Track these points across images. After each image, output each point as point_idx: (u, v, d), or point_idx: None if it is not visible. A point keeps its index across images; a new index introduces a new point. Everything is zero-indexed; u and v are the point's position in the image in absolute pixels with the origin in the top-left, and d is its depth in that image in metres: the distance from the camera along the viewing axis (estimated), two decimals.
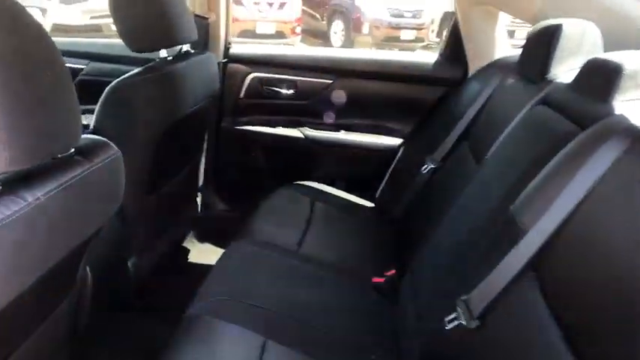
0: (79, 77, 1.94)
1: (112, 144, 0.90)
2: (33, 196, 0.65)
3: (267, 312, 1.15)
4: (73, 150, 0.79)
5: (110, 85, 1.27)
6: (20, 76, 0.62)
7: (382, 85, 1.87)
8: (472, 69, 1.77)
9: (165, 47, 1.38)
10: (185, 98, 1.41)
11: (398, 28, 7.52)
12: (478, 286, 0.84)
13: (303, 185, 1.86)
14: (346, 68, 1.86)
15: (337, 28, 7.75)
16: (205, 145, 1.88)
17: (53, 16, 2.32)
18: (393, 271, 1.43)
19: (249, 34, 6.77)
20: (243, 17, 6.79)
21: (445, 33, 1.86)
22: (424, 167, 1.60)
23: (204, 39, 1.80)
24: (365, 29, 7.51)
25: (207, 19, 1.75)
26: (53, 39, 0.69)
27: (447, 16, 6.96)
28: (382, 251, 1.61)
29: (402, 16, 7.51)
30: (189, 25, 1.42)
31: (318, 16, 8.07)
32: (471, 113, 1.53)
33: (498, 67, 1.60)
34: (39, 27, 0.67)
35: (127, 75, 1.28)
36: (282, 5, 7.19)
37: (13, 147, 0.61)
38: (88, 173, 0.78)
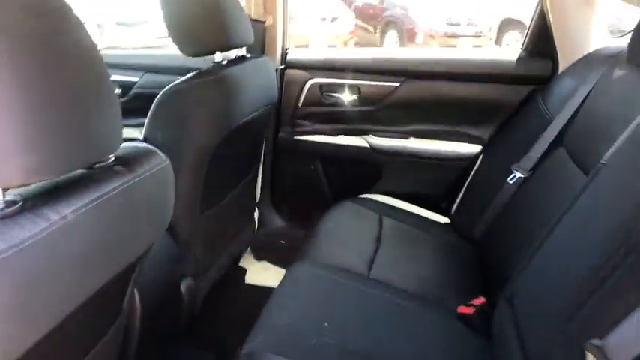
0: (133, 90, 1.87)
1: (159, 152, 0.77)
2: (58, 214, 0.51)
3: (340, 349, 0.98)
4: (112, 159, 0.66)
5: (161, 93, 1.16)
6: (43, 67, 0.49)
7: (457, 87, 1.67)
8: (563, 64, 1.53)
9: (220, 50, 1.26)
10: (242, 105, 1.28)
11: (454, 36, 7.25)
12: (616, 329, 0.65)
13: (368, 199, 1.68)
14: (415, 69, 1.68)
15: (391, 40, 7.59)
16: (262, 158, 1.75)
17: (111, 35, 2.34)
18: (482, 299, 1.22)
19: None
20: (295, 32, 6.75)
21: (528, 29, 1.64)
22: (511, 177, 1.38)
23: (261, 44, 1.68)
24: (419, 39, 7.29)
25: (263, 22, 1.63)
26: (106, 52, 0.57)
27: (505, 23, 6.64)
28: (464, 275, 1.40)
29: (457, 25, 7.24)
30: (246, 28, 1.30)
31: (371, 28, 7.93)
32: (566, 114, 1.30)
33: (597, 59, 1.36)
34: (73, 17, 0.55)
35: (178, 81, 1.17)
36: (334, 19, 7.12)
37: (34, 152, 0.48)
38: (129, 186, 0.65)
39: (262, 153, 1.74)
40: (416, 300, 1.20)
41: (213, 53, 1.26)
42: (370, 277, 1.27)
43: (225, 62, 1.30)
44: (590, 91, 1.26)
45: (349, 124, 1.78)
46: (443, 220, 1.69)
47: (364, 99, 1.73)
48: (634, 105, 1.00)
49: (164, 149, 0.77)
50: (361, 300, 1.15)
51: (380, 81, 1.70)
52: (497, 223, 1.42)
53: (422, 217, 1.67)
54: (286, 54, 1.75)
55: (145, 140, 1.18)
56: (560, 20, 1.51)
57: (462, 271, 1.42)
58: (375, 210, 1.61)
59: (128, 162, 0.69)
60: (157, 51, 2.01)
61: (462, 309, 1.20)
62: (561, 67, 1.54)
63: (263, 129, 1.57)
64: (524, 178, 1.36)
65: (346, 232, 1.47)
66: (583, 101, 1.27)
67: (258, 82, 1.39)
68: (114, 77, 1.91)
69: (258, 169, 1.71)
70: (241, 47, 1.37)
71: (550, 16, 1.52)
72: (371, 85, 1.71)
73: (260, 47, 1.68)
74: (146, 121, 1.17)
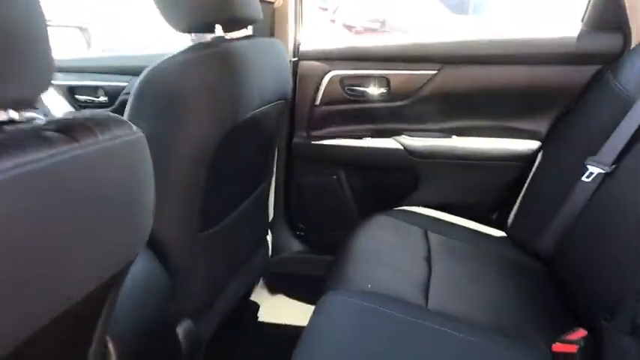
0: (120, 97, 1.60)
1: (128, 122, 0.48)
2: None
3: None
4: (39, 117, 0.38)
5: (145, 71, 0.88)
6: None
7: (506, 72, 1.38)
8: (636, 36, 1.25)
9: (222, 24, 0.99)
10: (251, 91, 1.00)
11: None
12: None
13: (406, 211, 1.38)
14: (454, 53, 1.40)
15: None
16: (275, 166, 1.46)
17: (99, 39, 2.12)
18: (582, 332, 0.90)
19: None
20: None
21: None
22: (587, 174, 1.08)
23: (269, 30, 1.41)
24: None
25: (272, 3, 1.37)
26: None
27: None
28: (544, 302, 1.08)
29: None
30: (253, 1, 1.03)
31: None
32: None
33: None
34: None
35: (167, 56, 0.89)
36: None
37: None
38: (64, 160, 0.36)
39: (275, 161, 1.45)
40: (494, 338, 0.88)
41: (212, 29, 0.99)
42: (428, 308, 0.96)
43: (228, 37, 1.02)
44: None
45: (377, 123, 1.49)
46: (497, 233, 1.38)
47: (394, 92, 1.44)
48: None
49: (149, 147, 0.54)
50: (425, 340, 0.83)
51: (413, 70, 1.42)
52: (574, 232, 1.11)
53: (474, 230, 1.36)
54: (299, 44, 1.48)
55: None
56: None
57: (540, 296, 1.10)
58: (417, 224, 1.30)
59: (70, 128, 0.40)
60: (144, 52, 1.74)
61: (559, 347, 0.89)
62: (635, 40, 1.26)
63: (275, 129, 1.28)
64: (605, 173, 1.06)
65: (387, 252, 1.16)
66: None
67: (269, 67, 1.11)
68: (99, 83, 1.65)
69: (270, 181, 1.41)
70: (247, 25, 1.10)
71: None
72: (402, 75, 1.43)
73: (268, 34, 1.41)
74: (126, 109, 0.89)
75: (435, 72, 1.40)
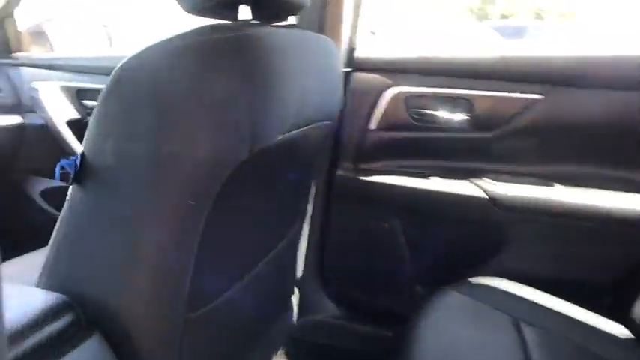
0: None
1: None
2: None
3: None
4: None
5: (119, 65, 0.56)
6: None
7: (632, 102, 0.99)
8: None
9: (251, 4, 0.66)
10: (282, 103, 0.65)
11: None
12: None
13: (485, 287, 1.00)
14: (565, 74, 1.02)
15: None
16: (310, 207, 1.11)
17: (123, 36, 1.90)
18: None
19: None
20: None
21: None
22: None
23: (317, 27, 1.08)
24: None
25: None
26: None
27: None
28: None
29: None
30: None
31: None
32: None
33: None
34: None
35: (157, 41, 0.57)
36: None
37: None
38: None
39: (310, 200, 1.10)
40: None
41: (235, 13, 0.67)
42: None
43: (258, 23, 0.69)
44: None
45: (451, 160, 1.12)
46: (619, 330, 0.97)
47: (479, 120, 1.07)
48: None
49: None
50: None
51: (506, 91, 1.05)
52: None
53: (583, 324, 0.96)
54: (353, 51, 1.14)
55: (82, 159, 0.58)
56: None
57: None
58: (503, 307, 0.92)
59: None
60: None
61: None
62: None
63: (314, 160, 0.93)
64: None
65: (467, 353, 0.78)
66: None
67: (315, 74, 0.77)
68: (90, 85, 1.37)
69: (301, 226, 1.06)
70: (288, 14, 0.77)
71: None
72: (491, 97, 1.06)
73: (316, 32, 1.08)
74: (91, 118, 0.57)
75: (539, 97, 1.02)
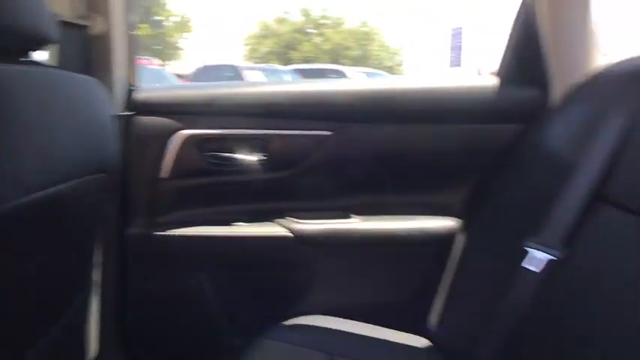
0: None
1: None
2: None
3: None
4: None
5: None
6: None
7: (414, 133, 1.09)
8: (558, 91, 1.06)
9: None
10: (33, 154, 0.51)
11: None
12: None
13: (301, 327, 0.96)
14: (354, 110, 1.07)
15: None
16: (100, 273, 0.94)
17: None
18: None
19: None
20: None
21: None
22: (527, 259, 0.80)
23: (84, 67, 0.94)
24: None
25: (85, 27, 0.90)
26: None
27: None
28: None
29: None
30: (40, 14, 0.58)
31: None
32: (598, 155, 0.78)
33: (615, 78, 0.89)
34: None
35: None
36: None
37: None
38: None
39: (97, 266, 0.93)
40: None
41: None
42: None
43: None
44: (631, 120, 0.77)
45: (254, 202, 1.07)
46: (421, 342, 1.03)
47: (275, 159, 1.05)
48: None
49: None
50: None
51: (300, 129, 1.05)
52: (519, 337, 0.80)
53: (392, 343, 0.99)
54: (132, 91, 1.02)
55: None
56: (554, 39, 1.05)
57: None
58: (319, 346, 0.89)
59: None
60: None
61: None
62: (557, 95, 1.06)
63: (91, 218, 0.79)
64: (554, 260, 0.78)
65: None
66: (626, 134, 0.77)
67: (72, 120, 0.64)
68: None
69: (87, 300, 0.89)
70: (29, 48, 0.63)
71: (542, 34, 1.05)
72: (286, 136, 1.05)
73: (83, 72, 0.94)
74: None
75: (329, 133, 1.05)
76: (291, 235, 1.05)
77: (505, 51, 1.11)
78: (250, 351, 0.86)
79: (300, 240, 1.05)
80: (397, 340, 1.01)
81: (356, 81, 1.15)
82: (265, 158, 1.04)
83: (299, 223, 1.06)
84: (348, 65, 14.09)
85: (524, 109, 1.07)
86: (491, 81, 1.12)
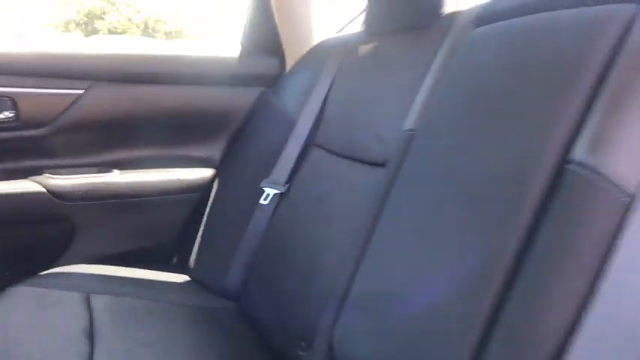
0: None
1: None
2: None
3: None
4: None
5: None
6: None
7: (168, 93, 1.22)
8: (290, 59, 1.31)
9: None
10: None
11: None
12: None
13: (60, 274, 1.04)
14: (107, 69, 1.15)
15: None
16: None
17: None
18: None
19: None
20: None
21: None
22: (264, 197, 1.03)
23: None
24: None
25: None
26: None
27: None
28: (240, 344, 0.94)
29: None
30: None
31: None
32: (312, 111, 1.05)
33: (329, 48, 1.17)
34: None
35: None
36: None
37: None
38: None
39: None
40: None
41: None
42: None
43: None
44: (334, 78, 1.05)
45: (4, 161, 1.09)
46: (181, 278, 1.19)
47: (27, 118, 1.08)
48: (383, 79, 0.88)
49: None
50: None
51: (50, 88, 1.10)
52: (258, 261, 1.02)
53: (150, 280, 1.13)
54: None
55: None
56: (285, 13, 1.29)
57: (233, 339, 0.95)
58: (75, 288, 0.98)
59: None
60: None
61: None
62: (289, 63, 1.31)
63: None
64: (280, 194, 1.02)
65: (27, 336, 0.80)
66: (328, 91, 1.04)
67: None
68: None
69: None
70: None
71: (274, 8, 1.27)
72: (35, 94, 1.09)
73: None
74: None
75: (82, 91, 1.12)
76: (46, 191, 1.10)
77: (244, 24, 1.31)
78: (8, 298, 0.91)
79: (58, 196, 1.11)
80: (157, 278, 1.15)
81: (110, 45, 1.24)
82: (13, 117, 1.07)
83: (56, 179, 1.12)
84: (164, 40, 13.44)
85: (264, 75, 1.30)
86: (236, 51, 1.31)
